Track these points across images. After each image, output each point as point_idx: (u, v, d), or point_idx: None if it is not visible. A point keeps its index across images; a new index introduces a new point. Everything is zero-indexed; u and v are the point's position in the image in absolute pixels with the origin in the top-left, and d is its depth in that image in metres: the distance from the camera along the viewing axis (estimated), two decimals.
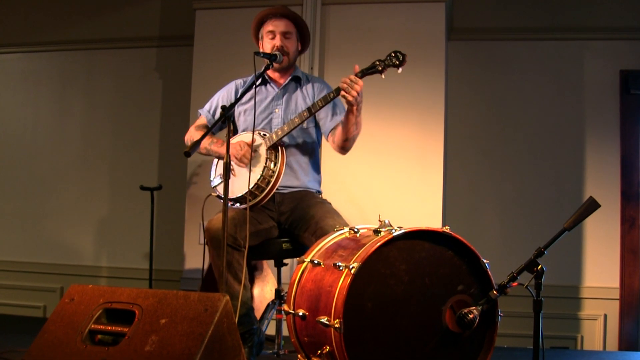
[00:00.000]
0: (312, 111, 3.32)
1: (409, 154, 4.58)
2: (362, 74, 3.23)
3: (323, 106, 3.31)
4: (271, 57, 3.42)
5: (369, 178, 4.61)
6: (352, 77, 3.18)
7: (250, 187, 3.26)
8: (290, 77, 3.60)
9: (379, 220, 2.76)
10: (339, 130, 3.40)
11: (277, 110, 3.54)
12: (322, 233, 3.15)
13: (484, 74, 5.08)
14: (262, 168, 3.31)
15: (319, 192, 3.64)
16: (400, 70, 3.21)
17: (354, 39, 4.71)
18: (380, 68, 3.22)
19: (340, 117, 3.45)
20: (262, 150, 3.35)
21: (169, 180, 5.21)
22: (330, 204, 3.50)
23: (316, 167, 3.63)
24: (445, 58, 4.67)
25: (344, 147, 3.45)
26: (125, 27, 5.58)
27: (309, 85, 3.61)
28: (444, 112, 4.59)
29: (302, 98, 3.57)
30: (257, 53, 3.41)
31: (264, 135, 3.41)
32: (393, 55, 3.21)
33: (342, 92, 3.19)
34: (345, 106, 3.29)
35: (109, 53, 5.64)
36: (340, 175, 4.57)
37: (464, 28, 5.11)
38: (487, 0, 5.12)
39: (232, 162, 3.37)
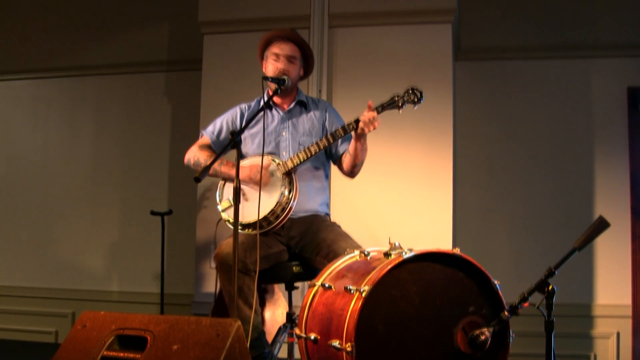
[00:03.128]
0: (330, 140, 3.38)
1: (418, 175, 4.60)
2: (382, 108, 3.34)
3: (343, 136, 3.39)
4: (279, 81, 3.45)
5: (379, 200, 4.62)
6: (375, 115, 3.27)
7: (266, 214, 3.30)
8: (295, 101, 3.64)
9: (389, 243, 2.77)
10: (348, 157, 3.46)
11: (284, 134, 3.57)
12: (335, 256, 3.16)
13: (492, 94, 5.10)
14: (278, 194, 3.34)
15: (328, 215, 3.66)
16: (416, 107, 3.35)
17: (361, 61, 4.75)
18: (399, 104, 3.35)
19: (348, 145, 3.49)
20: (278, 177, 3.39)
21: (179, 204, 5.24)
22: (339, 226, 3.52)
23: (325, 190, 3.65)
24: (452, 78, 4.69)
25: (353, 172, 3.53)
26: (134, 52, 5.64)
27: (315, 109, 3.64)
28: (452, 132, 4.61)
29: (309, 121, 3.60)
30: (266, 78, 3.45)
31: (274, 160, 3.44)
32: (411, 92, 3.34)
33: (361, 125, 3.26)
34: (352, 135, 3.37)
35: (117, 78, 5.69)
36: (349, 196, 4.59)
37: (471, 48, 5.14)
38: (494, 19, 5.15)
39: (243, 187, 3.40)
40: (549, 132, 4.99)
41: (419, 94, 3.33)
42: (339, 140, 3.53)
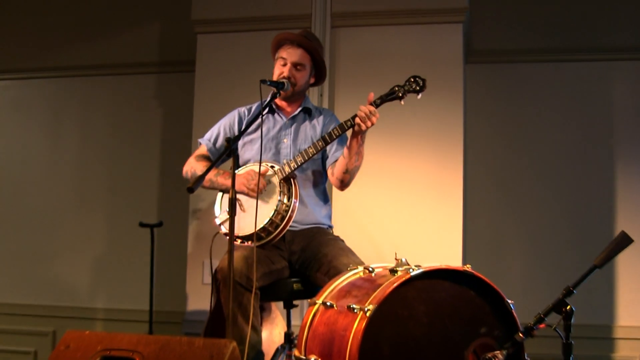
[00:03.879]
0: (327, 140, 3.36)
1: (426, 186, 4.60)
2: (382, 100, 3.32)
3: (340, 134, 3.36)
4: (278, 85, 3.46)
5: (384, 212, 4.62)
6: (372, 109, 3.24)
7: (264, 224, 3.29)
8: (300, 108, 3.66)
9: (395, 259, 2.78)
10: (340, 161, 3.44)
11: (285, 141, 3.59)
12: (336, 272, 3.17)
13: (506, 99, 5.12)
14: (276, 202, 3.33)
15: (330, 227, 3.67)
16: (419, 96, 3.31)
17: (366, 63, 4.76)
18: (400, 94, 3.31)
19: (342, 150, 3.49)
20: (275, 183, 3.38)
21: (170, 216, 5.24)
22: (343, 241, 3.52)
23: (326, 200, 3.67)
24: (463, 82, 4.71)
25: (343, 180, 3.48)
26: (123, 52, 5.65)
27: (320, 117, 3.67)
28: (462, 140, 4.62)
29: (312, 129, 3.62)
30: (264, 81, 3.46)
31: (273, 166, 3.44)
32: (412, 80, 3.31)
33: (357, 120, 3.25)
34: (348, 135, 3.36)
35: (105, 80, 5.70)
36: (352, 209, 4.60)
37: (483, 50, 5.16)
38: (508, 20, 5.16)
39: (240, 197, 3.40)
40: (566, 140, 5.00)
41: (421, 82, 3.31)
42: (335, 146, 3.54)
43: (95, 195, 5.61)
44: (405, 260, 2.77)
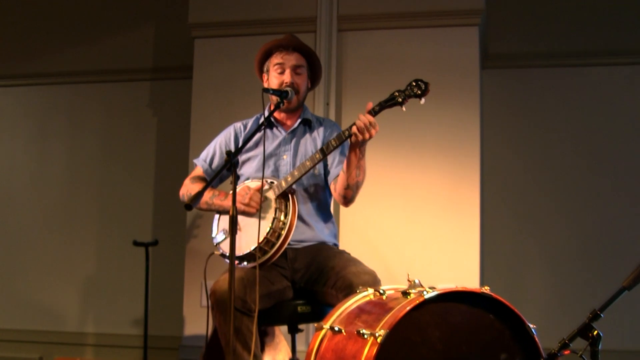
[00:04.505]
0: (325, 152, 3.36)
1: (440, 202, 4.60)
2: (380, 107, 3.28)
3: (338, 146, 3.35)
4: (282, 94, 3.45)
5: (395, 230, 4.62)
6: (371, 119, 3.23)
7: (259, 243, 3.29)
8: (299, 120, 3.66)
9: (408, 280, 2.78)
10: (341, 176, 3.43)
11: (285, 157, 3.59)
12: (344, 283, 3.19)
13: (525, 107, 5.13)
14: (271, 219, 3.34)
15: (336, 246, 3.68)
16: (422, 100, 3.26)
17: (375, 69, 4.78)
18: (400, 99, 3.27)
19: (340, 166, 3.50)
20: (271, 200, 3.39)
21: (166, 234, 5.26)
22: (348, 253, 3.53)
23: (329, 217, 3.67)
24: (479, 89, 4.73)
25: (345, 196, 3.47)
26: (114, 57, 5.69)
27: (321, 129, 3.66)
28: (479, 152, 4.63)
29: (312, 143, 3.62)
30: (266, 90, 3.48)
31: (271, 182, 3.45)
32: (414, 84, 3.27)
33: (354, 131, 3.24)
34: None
35: (95, 87, 5.74)
36: (361, 226, 4.61)
37: (500, 54, 5.18)
38: (526, 21, 5.18)
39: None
40: (591, 151, 5.01)
41: (423, 86, 3.25)
42: (336, 159, 3.54)
43: (85, 212, 5.63)
44: (419, 281, 2.77)
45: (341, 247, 3.71)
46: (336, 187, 3.49)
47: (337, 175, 3.51)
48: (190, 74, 5.06)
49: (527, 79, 5.16)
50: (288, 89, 3.49)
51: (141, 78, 5.65)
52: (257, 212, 3.36)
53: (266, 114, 3.59)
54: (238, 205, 3.36)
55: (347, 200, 3.50)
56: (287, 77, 3.55)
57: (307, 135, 3.65)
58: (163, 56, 5.63)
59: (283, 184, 3.38)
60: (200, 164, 3.74)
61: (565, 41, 5.12)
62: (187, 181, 3.73)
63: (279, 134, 3.65)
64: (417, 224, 4.62)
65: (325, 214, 3.64)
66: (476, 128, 4.64)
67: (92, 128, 5.71)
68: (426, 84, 3.26)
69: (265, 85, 3.65)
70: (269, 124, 3.64)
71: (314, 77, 3.73)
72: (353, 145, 3.31)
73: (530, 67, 5.16)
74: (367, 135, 3.24)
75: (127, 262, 5.34)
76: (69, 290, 5.57)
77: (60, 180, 5.71)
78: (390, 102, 3.30)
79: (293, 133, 3.65)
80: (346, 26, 4.86)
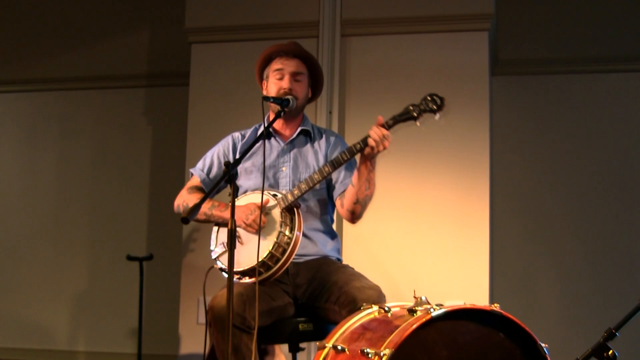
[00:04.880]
0: (335, 165, 3.37)
1: (448, 216, 4.59)
2: (394, 121, 3.29)
3: (349, 159, 3.37)
4: (282, 102, 3.45)
5: (400, 244, 4.62)
6: (384, 132, 3.25)
7: (263, 257, 3.30)
8: (298, 130, 3.67)
9: (414, 297, 2.78)
10: (349, 190, 3.43)
11: (284, 169, 3.59)
12: (347, 299, 3.19)
13: (537, 115, 5.14)
14: (276, 234, 3.34)
15: (340, 261, 3.68)
16: (438, 116, 3.28)
17: (380, 76, 4.80)
18: (415, 114, 3.28)
19: (351, 178, 3.49)
20: (276, 214, 3.39)
21: (161, 248, 5.28)
22: (352, 268, 3.54)
23: (333, 232, 3.68)
24: (489, 97, 4.72)
25: (354, 211, 3.47)
26: (107, 63, 5.72)
27: (322, 140, 3.67)
28: (488, 162, 4.63)
29: (314, 155, 3.62)
30: (266, 98, 3.48)
31: (275, 195, 3.45)
32: (429, 98, 3.28)
33: (371, 142, 3.24)
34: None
35: (87, 94, 5.78)
36: (365, 240, 4.62)
37: (511, 60, 5.20)
38: (538, 26, 5.20)
39: (238, 229, 3.42)
40: (606, 163, 5.02)
41: (439, 100, 3.26)
42: (342, 174, 3.55)
43: (76, 225, 5.64)
44: (425, 298, 2.77)
45: (345, 261, 3.72)
46: (344, 203, 3.50)
47: (343, 191, 3.51)
48: (186, 80, 5.06)
49: (539, 86, 5.18)
50: (289, 97, 3.48)
51: (135, 85, 5.68)
52: (258, 231, 3.36)
53: (265, 123, 3.59)
54: (241, 223, 3.38)
55: (355, 216, 3.51)
56: (285, 83, 3.56)
57: (308, 147, 3.65)
58: (158, 62, 5.66)
59: (289, 197, 3.39)
60: (198, 173, 3.74)
61: (580, 47, 5.14)
62: (183, 191, 3.73)
63: (277, 144, 3.65)
64: (423, 238, 4.62)
65: (328, 228, 3.65)
66: (485, 138, 4.64)
67: (84, 137, 5.73)
68: (441, 98, 3.27)
69: (265, 92, 3.65)
70: (267, 134, 3.65)
71: (315, 86, 3.73)
72: (365, 158, 3.32)
73: (542, 74, 5.18)
74: (380, 147, 3.26)
75: (121, 277, 5.34)
76: (59, 306, 5.58)
77: (50, 191, 5.72)
78: (404, 117, 3.31)
79: (292, 144, 3.65)
80: (350, 31, 4.87)
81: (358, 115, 4.78)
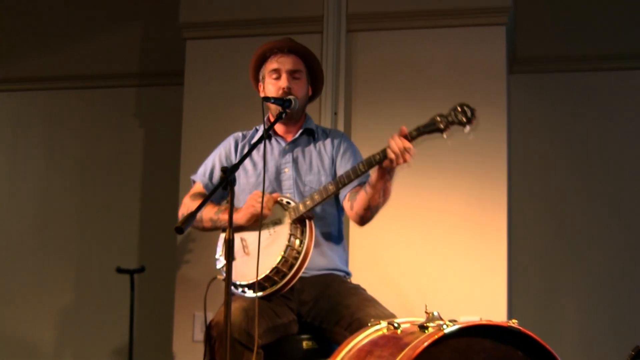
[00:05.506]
0: (352, 177, 3.34)
1: (462, 225, 4.59)
2: (419, 132, 3.23)
3: (366, 171, 3.34)
4: (284, 103, 3.45)
5: (411, 256, 4.62)
6: (407, 144, 3.20)
7: (268, 272, 3.30)
8: (301, 130, 3.68)
9: (426, 312, 2.79)
10: (361, 196, 3.43)
11: (286, 170, 3.59)
12: (360, 326, 3.14)
13: (560, 117, 5.14)
14: (284, 247, 3.34)
15: (348, 275, 3.69)
16: (467, 129, 3.19)
17: (388, 74, 4.81)
18: (442, 126, 3.21)
19: (362, 179, 3.50)
20: (285, 224, 3.40)
21: (154, 259, 5.29)
22: (365, 290, 3.54)
23: (342, 242, 3.69)
24: (506, 97, 4.72)
25: (364, 216, 3.48)
26: (96, 61, 5.73)
27: (327, 141, 3.68)
28: (506, 168, 4.62)
29: (318, 156, 3.64)
30: (267, 99, 3.49)
31: (288, 202, 3.46)
32: (459, 109, 3.19)
33: (391, 155, 3.21)
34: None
35: (75, 94, 5.80)
36: (373, 251, 4.62)
37: (530, 57, 5.21)
38: (560, 21, 5.20)
39: (245, 237, 3.42)
40: (636, 166, 5.02)
41: (469, 112, 3.17)
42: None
43: (62, 234, 5.65)
44: (438, 314, 2.78)
45: (352, 274, 3.72)
46: (353, 206, 3.49)
47: (353, 192, 3.52)
48: (181, 79, 5.08)
49: (562, 86, 5.17)
50: (291, 97, 3.48)
51: (127, 84, 5.69)
52: (266, 220, 3.37)
53: (266, 126, 3.58)
54: (252, 210, 3.38)
55: (365, 220, 3.51)
56: (283, 82, 3.56)
57: (311, 147, 3.66)
58: (151, 60, 5.68)
59: (301, 207, 3.39)
60: (200, 179, 3.74)
61: (606, 42, 5.12)
62: (186, 199, 3.73)
63: (278, 145, 3.67)
64: (435, 248, 4.61)
65: (338, 238, 3.65)
66: (502, 141, 4.64)
67: (71, 140, 5.75)
68: (472, 110, 3.18)
69: (262, 95, 3.66)
70: (268, 135, 3.66)
71: (315, 84, 3.74)
72: (383, 170, 3.29)
73: (565, 72, 5.17)
74: (401, 160, 3.20)
75: (110, 291, 5.34)
76: (44, 321, 5.58)
77: (34, 198, 5.73)
78: (429, 128, 3.23)
79: (294, 144, 3.66)
80: (356, 26, 4.88)
81: (365, 117, 4.79)
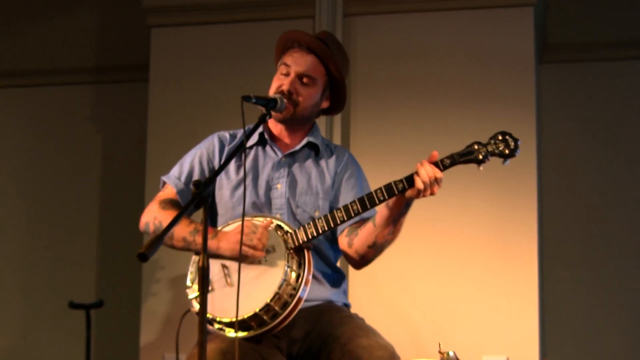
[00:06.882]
0: (367, 206, 3.27)
1: (484, 250, 4.61)
2: (452, 161, 3.21)
3: (386, 199, 3.26)
4: (268, 103, 3.38)
5: (422, 285, 4.63)
6: (438, 173, 3.17)
7: (257, 309, 3.26)
8: (304, 142, 3.63)
9: (439, 352, 2.79)
10: (367, 230, 3.39)
11: (278, 186, 3.55)
12: (352, 358, 3.16)
13: (599, 114, 5.15)
14: (279, 282, 3.29)
15: (347, 306, 3.67)
16: (507, 162, 3.21)
17: (392, 64, 4.83)
18: (480, 156, 3.21)
19: (370, 212, 3.44)
20: (280, 253, 3.35)
21: (114, 291, 5.29)
22: (362, 319, 3.51)
23: (340, 272, 3.66)
24: (535, 91, 4.73)
25: (365, 256, 3.44)
26: (47, 54, 5.75)
27: (331, 159, 3.61)
28: (535, 181, 4.64)
29: (318, 175, 3.57)
30: (246, 98, 3.41)
31: (287, 232, 3.37)
32: (500, 138, 3.20)
33: (419, 185, 3.16)
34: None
35: (20, 93, 5.82)
36: (377, 281, 4.61)
37: (563, 44, 5.22)
38: (596, 4, 5.20)
39: (227, 263, 3.38)
40: None
41: (512, 143, 3.17)
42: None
43: (4, 264, 5.64)
44: (454, 354, 2.77)
45: (352, 306, 3.70)
46: (353, 242, 3.44)
47: (355, 226, 3.48)
48: (146, 74, 5.11)
49: (600, 75, 5.18)
50: (277, 96, 3.43)
51: (82, 81, 5.71)
52: (257, 265, 3.34)
53: (259, 129, 3.54)
54: (236, 247, 3.33)
55: (365, 261, 3.47)
56: (286, 82, 3.49)
57: (311, 163, 3.60)
58: (110, 52, 5.69)
59: (301, 235, 3.32)
60: (173, 182, 3.63)
61: None
62: (153, 206, 3.61)
63: (273, 155, 3.61)
64: (452, 277, 4.62)
65: (336, 268, 3.63)
66: (532, 149, 4.65)
67: (16, 147, 5.77)
68: (516, 141, 3.18)
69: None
70: (262, 140, 3.62)
71: (335, 97, 3.66)
72: (401, 199, 3.25)
73: (600, 60, 5.19)
74: (428, 193, 3.18)
75: (62, 329, 5.35)
76: None
77: None
78: (466, 158, 3.22)
79: (292, 157, 3.60)
80: (354, 9, 4.90)
81: (365, 115, 4.80)
